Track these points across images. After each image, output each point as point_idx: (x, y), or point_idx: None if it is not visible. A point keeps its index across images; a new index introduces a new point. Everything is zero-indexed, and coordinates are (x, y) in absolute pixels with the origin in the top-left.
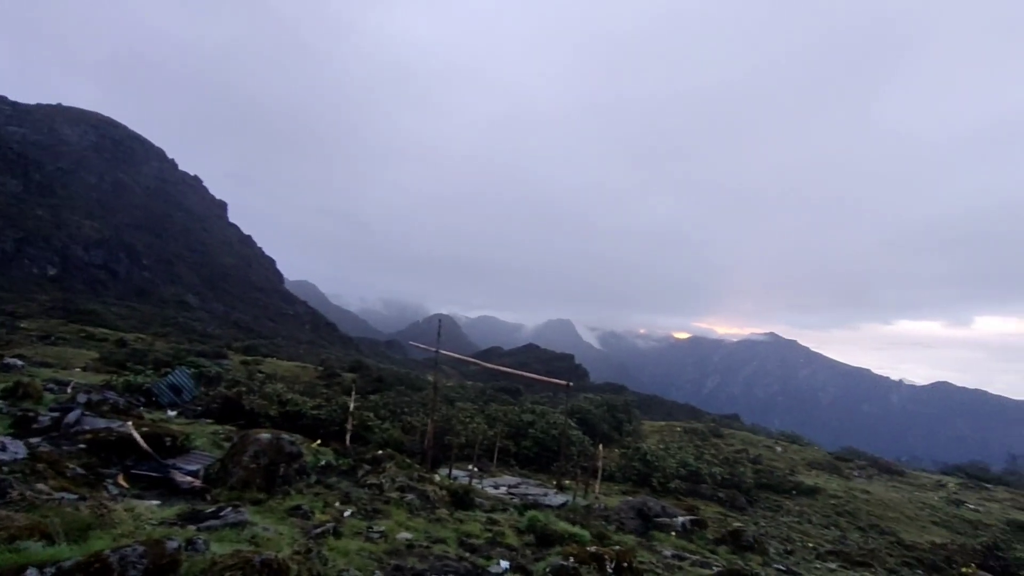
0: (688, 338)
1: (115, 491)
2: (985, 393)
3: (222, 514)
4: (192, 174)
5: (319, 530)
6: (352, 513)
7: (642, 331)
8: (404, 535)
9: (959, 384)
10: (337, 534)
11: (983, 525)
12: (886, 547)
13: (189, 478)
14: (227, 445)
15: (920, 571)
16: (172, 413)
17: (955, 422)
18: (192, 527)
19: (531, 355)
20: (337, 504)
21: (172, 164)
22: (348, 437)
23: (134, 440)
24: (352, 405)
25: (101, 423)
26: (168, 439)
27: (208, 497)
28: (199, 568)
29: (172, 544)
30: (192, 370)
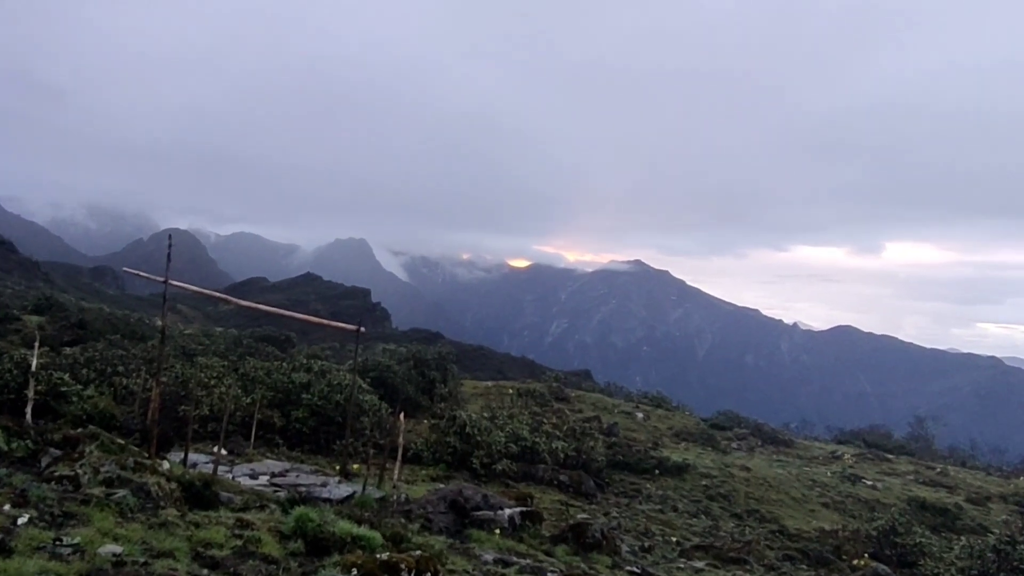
0: (528, 267)
1: None
2: (893, 340)
3: None
4: None
5: None
6: (31, 520)
7: (465, 257)
8: (111, 548)
9: (864, 329)
10: (6, 551)
11: (880, 505)
12: (766, 537)
13: None
14: None
15: (804, 565)
16: None
17: (856, 376)
18: None
19: (309, 289)
20: (7, 507)
21: None
22: (30, 409)
23: None
24: (36, 362)
25: None
26: None
27: None
28: None
29: None
30: None
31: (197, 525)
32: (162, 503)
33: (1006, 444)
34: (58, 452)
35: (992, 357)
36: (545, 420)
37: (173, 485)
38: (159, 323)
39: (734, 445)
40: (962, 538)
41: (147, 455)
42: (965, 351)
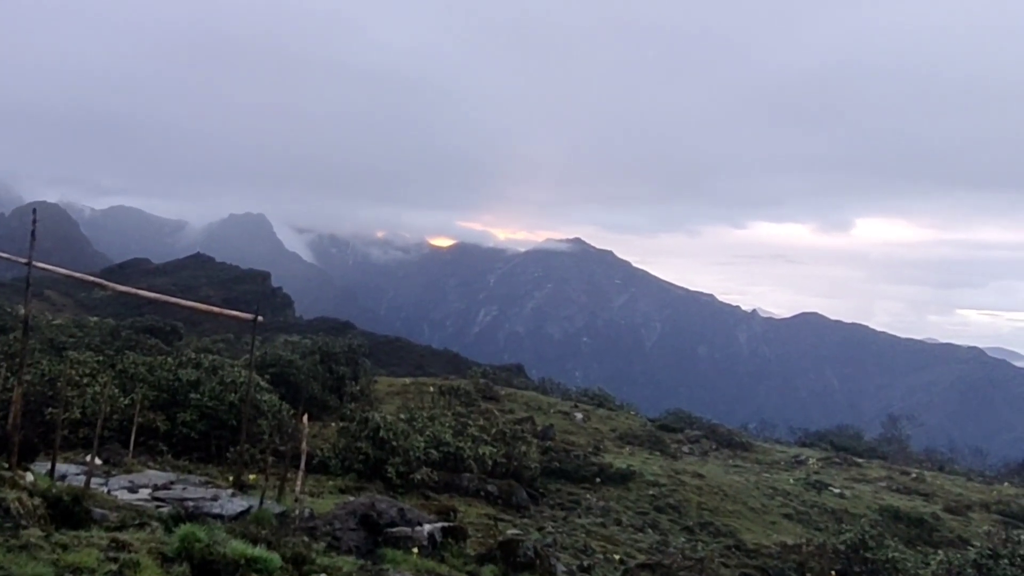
0: (452, 247)
1: None
2: (864, 328)
3: None
4: None
5: None
6: None
7: (380, 235)
8: None
9: (832, 316)
10: None
11: (849, 516)
12: (721, 554)
13: None
14: None
15: None
16: None
17: (822, 370)
18: None
19: (199, 272)
20: None
21: None
22: None
23: None
24: None
25: None
26: None
27: None
28: None
29: None
30: None
31: (65, 547)
32: (24, 522)
33: (988, 445)
34: None
35: (974, 348)
36: (471, 422)
37: (37, 501)
38: (22, 312)
39: (685, 449)
40: (940, 552)
41: (6, 466)
42: (944, 341)
